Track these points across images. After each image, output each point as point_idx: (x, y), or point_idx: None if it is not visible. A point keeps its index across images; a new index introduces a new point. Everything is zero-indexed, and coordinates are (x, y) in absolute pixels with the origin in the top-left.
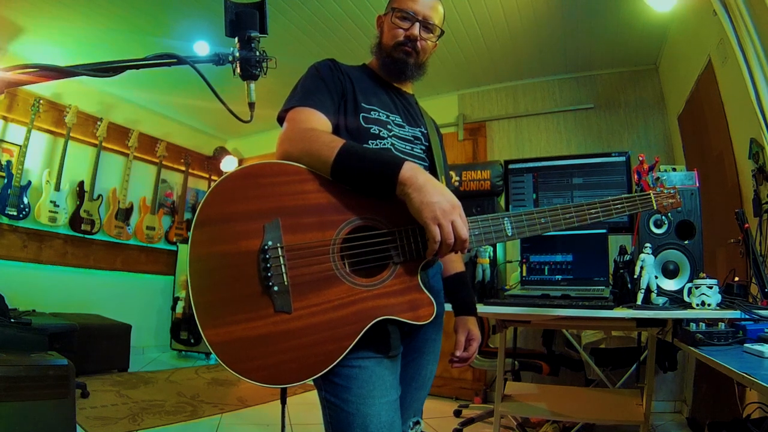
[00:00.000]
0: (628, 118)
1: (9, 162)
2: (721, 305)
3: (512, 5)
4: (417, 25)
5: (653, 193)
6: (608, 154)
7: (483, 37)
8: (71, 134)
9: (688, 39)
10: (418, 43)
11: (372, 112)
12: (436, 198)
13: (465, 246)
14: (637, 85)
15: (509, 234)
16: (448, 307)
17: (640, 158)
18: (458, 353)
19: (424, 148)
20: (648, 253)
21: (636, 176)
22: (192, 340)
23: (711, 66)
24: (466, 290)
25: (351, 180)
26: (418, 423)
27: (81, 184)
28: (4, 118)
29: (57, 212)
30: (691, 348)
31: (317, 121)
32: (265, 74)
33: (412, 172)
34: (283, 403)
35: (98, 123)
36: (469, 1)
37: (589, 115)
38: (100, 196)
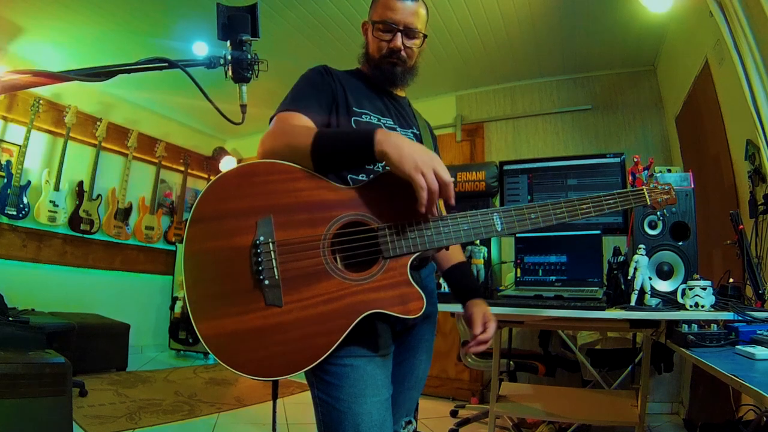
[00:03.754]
0: (626, 120)
1: (9, 162)
2: (715, 307)
3: (509, 6)
4: (399, 35)
5: (647, 189)
6: (603, 156)
7: (480, 38)
8: (71, 134)
9: (685, 40)
10: (403, 53)
11: (363, 116)
12: (414, 151)
13: (450, 191)
14: (634, 87)
15: (498, 229)
16: (442, 307)
17: (635, 159)
18: (477, 331)
19: None
20: (642, 255)
21: (630, 177)
22: (190, 340)
23: (708, 67)
24: (470, 277)
25: (331, 157)
26: (410, 422)
27: (80, 183)
28: (4, 118)
29: (56, 212)
30: (683, 349)
31: (301, 123)
32: (256, 77)
33: (385, 133)
34: (275, 398)
35: (98, 123)
36: (465, 1)
37: (586, 116)
38: (99, 195)
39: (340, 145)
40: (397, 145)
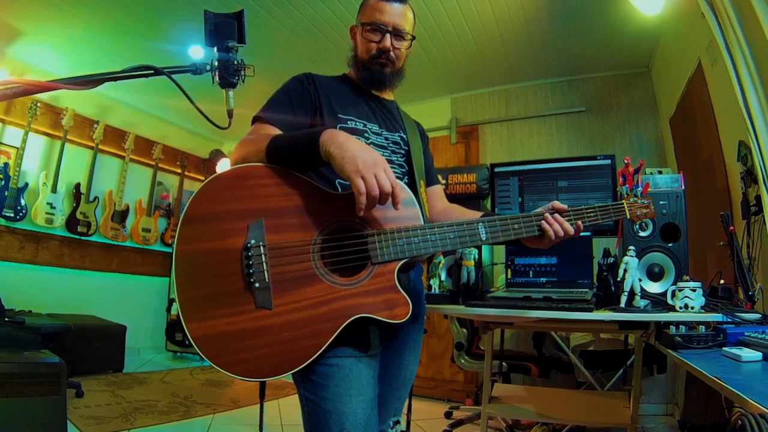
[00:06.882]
0: (621, 122)
1: (6, 164)
2: (705, 308)
3: (503, 9)
4: (388, 36)
5: (626, 203)
6: (594, 157)
7: (474, 41)
8: (68, 137)
9: (679, 41)
10: (392, 53)
11: (349, 122)
12: (358, 153)
13: (385, 200)
14: (629, 88)
15: (483, 238)
16: (437, 309)
17: (625, 161)
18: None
19: (403, 152)
20: (632, 256)
21: (621, 179)
22: (187, 342)
23: (701, 68)
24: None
25: (282, 160)
26: (398, 422)
27: (77, 186)
28: (2, 121)
29: (54, 214)
30: (670, 351)
31: (270, 133)
32: (243, 82)
33: (332, 132)
34: (262, 398)
35: (95, 125)
36: (459, 5)
37: (581, 118)
38: (96, 198)
39: (290, 148)
40: (343, 146)
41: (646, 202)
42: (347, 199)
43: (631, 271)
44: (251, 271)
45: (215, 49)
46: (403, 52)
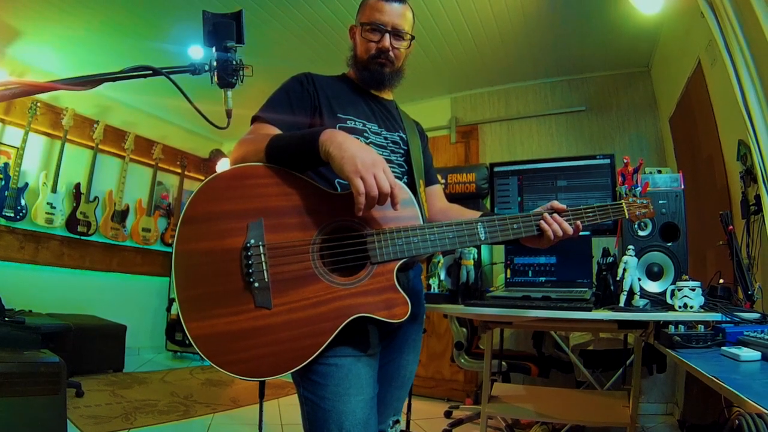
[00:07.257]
0: (620, 121)
1: (6, 164)
2: (704, 308)
3: (502, 8)
4: (387, 36)
5: (625, 203)
6: (593, 157)
7: (474, 41)
8: (68, 137)
9: (679, 41)
10: (391, 53)
11: (348, 122)
12: (357, 153)
13: (384, 201)
14: (629, 88)
15: (482, 238)
16: (437, 308)
17: (625, 160)
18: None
19: (402, 152)
20: (631, 255)
21: (620, 178)
22: (187, 341)
23: (700, 68)
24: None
25: (282, 160)
26: (397, 422)
27: (77, 186)
28: (2, 121)
29: (54, 214)
30: (669, 350)
31: (270, 132)
32: (242, 82)
33: (331, 132)
34: (261, 397)
35: (95, 125)
36: (458, 4)
37: (581, 117)
38: (96, 198)
39: (290, 148)
40: (342, 146)
41: (644, 201)
42: (346, 199)
43: (631, 270)
44: (251, 270)
45: (214, 49)
46: (403, 52)
